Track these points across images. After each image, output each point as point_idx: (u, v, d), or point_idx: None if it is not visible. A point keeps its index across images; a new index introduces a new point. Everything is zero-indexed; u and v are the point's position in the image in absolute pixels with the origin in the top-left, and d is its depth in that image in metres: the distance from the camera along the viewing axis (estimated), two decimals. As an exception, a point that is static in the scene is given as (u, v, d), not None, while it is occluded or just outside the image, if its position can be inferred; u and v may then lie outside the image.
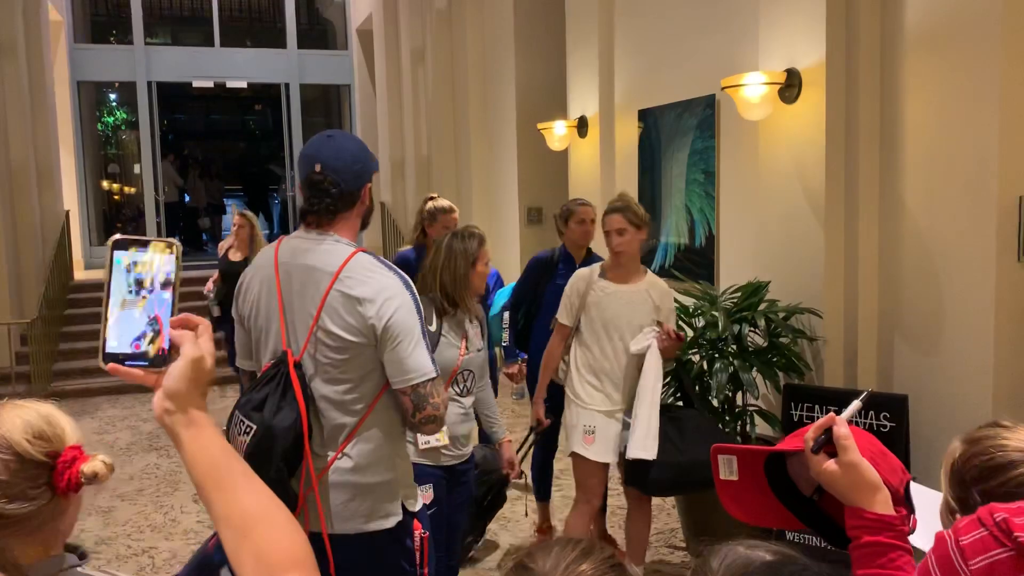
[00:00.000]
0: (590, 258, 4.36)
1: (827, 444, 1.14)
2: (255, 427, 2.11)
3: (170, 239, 1.04)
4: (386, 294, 2.15)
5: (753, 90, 4.29)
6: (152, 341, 1.03)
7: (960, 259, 3.68)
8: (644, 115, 6.00)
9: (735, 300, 4.25)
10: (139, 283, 1.02)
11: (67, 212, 10.78)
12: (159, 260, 1.03)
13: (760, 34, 4.49)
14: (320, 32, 15.80)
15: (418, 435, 2.84)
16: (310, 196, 2.22)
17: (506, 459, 3.51)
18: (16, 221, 8.88)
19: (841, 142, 4.11)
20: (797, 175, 4.29)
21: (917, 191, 3.92)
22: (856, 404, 1.18)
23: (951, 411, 3.73)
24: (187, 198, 15.43)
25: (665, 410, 3.59)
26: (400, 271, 2.24)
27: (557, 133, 6.89)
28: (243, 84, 14.89)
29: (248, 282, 2.33)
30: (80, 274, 11.41)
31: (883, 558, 1.09)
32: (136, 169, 14.29)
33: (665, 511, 4.89)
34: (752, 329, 4.14)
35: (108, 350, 1.02)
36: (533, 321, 4.44)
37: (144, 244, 1.03)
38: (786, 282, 4.31)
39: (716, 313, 4.05)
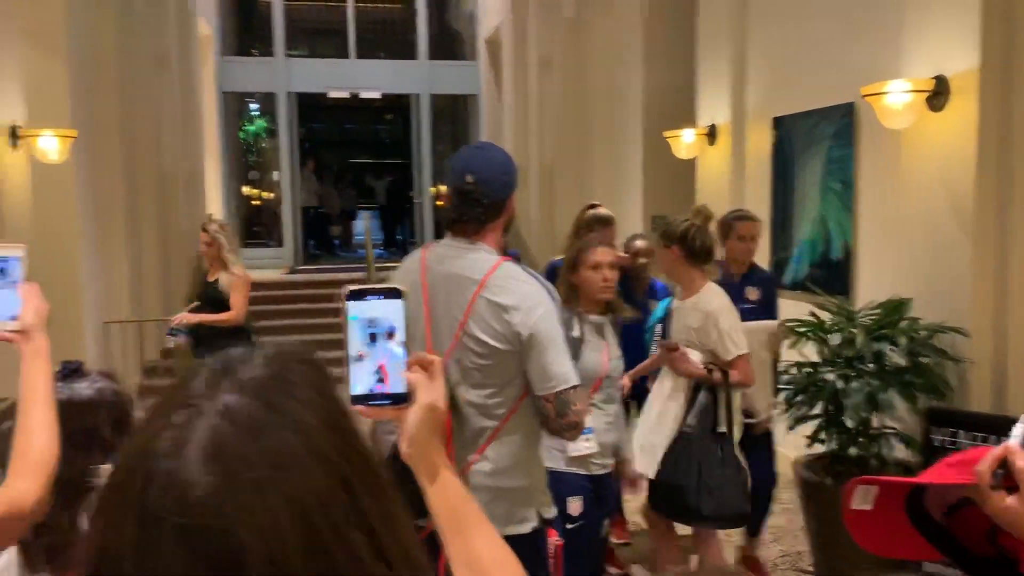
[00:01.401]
0: (753, 275, 4.18)
1: (1005, 478, 1.03)
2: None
3: (397, 286, 1.09)
4: (530, 302, 2.20)
5: (896, 98, 4.10)
6: (382, 382, 1.09)
7: None
8: (778, 123, 5.84)
9: (875, 317, 4.07)
10: (371, 334, 1.08)
11: (210, 216, 11.40)
12: (386, 307, 1.08)
13: (905, 39, 4.29)
14: (450, 43, 16.15)
15: (568, 443, 2.84)
16: (459, 205, 2.28)
17: (628, 478, 3.46)
18: (166, 224, 9.46)
19: (994, 153, 3.87)
20: (943, 187, 4.07)
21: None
22: (1021, 428, 1.07)
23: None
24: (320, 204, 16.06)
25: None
26: (543, 280, 2.29)
27: (685, 141, 6.80)
28: (376, 94, 15.39)
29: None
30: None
31: None
32: (275, 176, 14.98)
33: (792, 533, 4.73)
34: (892, 348, 3.95)
35: (352, 392, 1.09)
36: None
37: (375, 292, 1.08)
38: (930, 299, 4.10)
39: (854, 330, 3.89)
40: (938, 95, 4.03)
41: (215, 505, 0.60)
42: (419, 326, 2.29)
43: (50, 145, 5.77)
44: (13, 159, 5.44)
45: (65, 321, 6.85)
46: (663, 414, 3.37)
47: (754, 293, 4.15)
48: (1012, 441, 1.05)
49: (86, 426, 1.58)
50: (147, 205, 8.75)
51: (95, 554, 0.62)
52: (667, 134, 6.98)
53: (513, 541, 2.21)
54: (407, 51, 15.03)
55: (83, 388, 1.67)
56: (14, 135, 5.42)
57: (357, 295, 1.08)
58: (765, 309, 4.19)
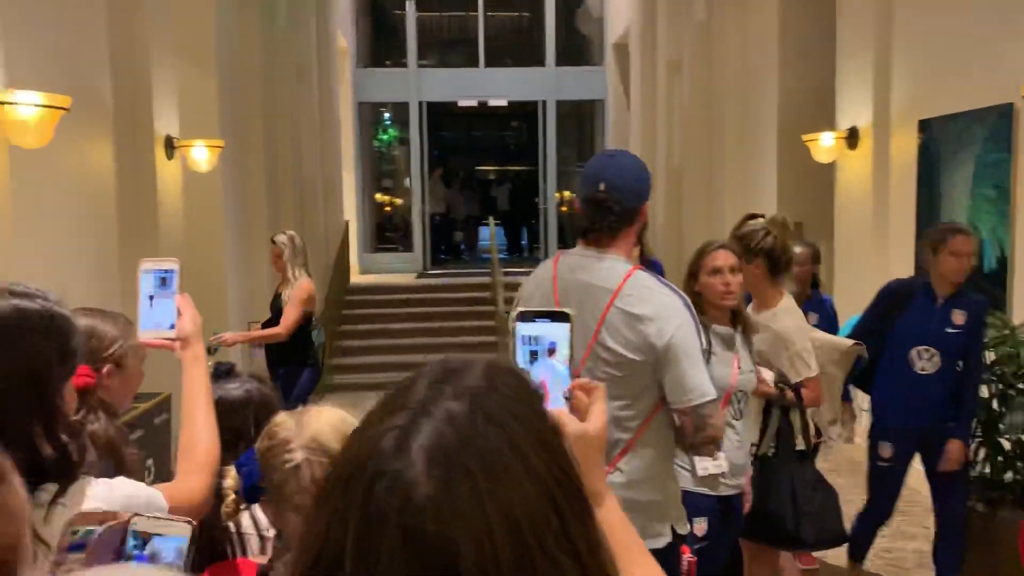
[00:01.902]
0: (962, 296, 3.70)
1: None
2: None
3: (565, 310, 1.11)
4: (666, 312, 2.16)
5: (1063, 96, 3.81)
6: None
7: None
8: (925, 125, 5.53)
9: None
10: (533, 352, 1.10)
11: (347, 222, 11.81)
12: (552, 329, 1.10)
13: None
14: (577, 49, 16.15)
15: (696, 461, 2.76)
16: (592, 214, 2.25)
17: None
18: (304, 229, 9.85)
19: None
20: (1117, 191, 3.75)
21: None
22: None
23: None
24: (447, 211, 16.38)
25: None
26: (678, 290, 2.25)
27: (824, 145, 6.54)
28: (503, 102, 15.57)
29: (527, 296, 2.41)
30: (356, 278, 12.47)
31: None
32: (406, 183, 15.38)
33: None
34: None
35: None
36: (878, 358, 3.80)
37: (543, 315, 1.11)
38: (1099, 313, 3.78)
39: (1015, 348, 3.63)
40: (1111, 92, 3.72)
41: (436, 509, 0.61)
42: None
43: (201, 155, 6.11)
44: (168, 168, 5.79)
45: (211, 322, 7.24)
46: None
47: (960, 317, 3.64)
48: None
49: (234, 425, 1.66)
50: (287, 211, 9.16)
51: (315, 544, 0.64)
52: (805, 137, 6.74)
53: None
54: (535, 58, 15.14)
55: (233, 389, 1.75)
56: (169, 145, 5.77)
57: (526, 317, 1.10)
58: (969, 335, 3.65)
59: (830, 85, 6.75)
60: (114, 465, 1.68)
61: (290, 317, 5.31)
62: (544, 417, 0.71)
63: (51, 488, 1.27)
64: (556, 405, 1.08)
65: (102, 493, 1.34)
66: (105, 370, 1.73)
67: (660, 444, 2.25)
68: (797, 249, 4.01)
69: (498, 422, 0.66)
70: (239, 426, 1.66)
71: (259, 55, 8.28)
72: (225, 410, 1.66)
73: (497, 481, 0.63)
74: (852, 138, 6.33)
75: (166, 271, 1.65)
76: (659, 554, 2.18)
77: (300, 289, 5.33)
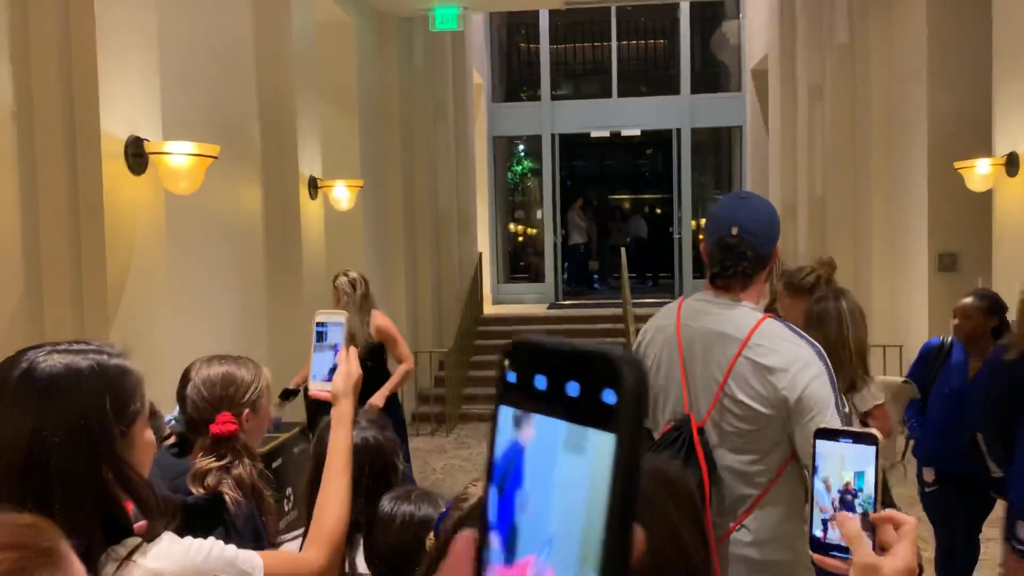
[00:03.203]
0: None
1: None
2: None
3: (872, 431, 1.05)
4: (799, 364, 2.06)
5: None
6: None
7: None
8: (1095, 150, 5.09)
9: None
10: (847, 479, 1.04)
11: (480, 254, 12.01)
12: (857, 451, 1.03)
13: None
14: (713, 75, 15.91)
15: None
16: (723, 259, 2.18)
17: None
18: (439, 261, 10.10)
19: None
20: None
21: None
22: None
23: None
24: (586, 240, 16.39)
25: None
26: (812, 340, 2.14)
27: (979, 172, 6.13)
28: (637, 132, 15.49)
29: (648, 340, 2.34)
30: (488, 309, 12.64)
31: None
32: (538, 214, 15.52)
33: None
34: None
35: (814, 535, 1.07)
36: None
37: (848, 435, 1.05)
38: None
39: None
40: None
41: None
42: (674, 384, 2.21)
43: (342, 194, 6.37)
44: (311, 208, 6.07)
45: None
46: None
47: None
48: None
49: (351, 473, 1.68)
50: (423, 244, 9.42)
51: None
52: (958, 164, 6.35)
53: None
54: (670, 86, 15.00)
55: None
56: (313, 186, 6.05)
57: (827, 435, 1.05)
58: None
59: (985, 108, 6.34)
60: (256, 506, 1.76)
61: (404, 348, 5.25)
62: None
63: (131, 543, 1.25)
64: (855, 530, 1.00)
65: (177, 552, 1.30)
66: (244, 415, 1.80)
67: (790, 502, 2.14)
68: None
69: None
70: (355, 475, 1.69)
71: (398, 95, 8.59)
72: None
73: None
74: (1012, 164, 5.91)
75: (325, 324, 1.70)
76: None
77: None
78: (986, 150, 6.25)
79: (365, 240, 7.54)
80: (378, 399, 5.00)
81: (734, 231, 2.15)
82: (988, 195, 6.34)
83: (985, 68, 6.35)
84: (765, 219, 2.19)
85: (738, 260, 2.15)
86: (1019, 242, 5.89)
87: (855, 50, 9.06)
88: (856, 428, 1.01)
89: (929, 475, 3.89)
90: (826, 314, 2.76)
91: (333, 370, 1.66)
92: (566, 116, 14.73)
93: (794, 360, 2.06)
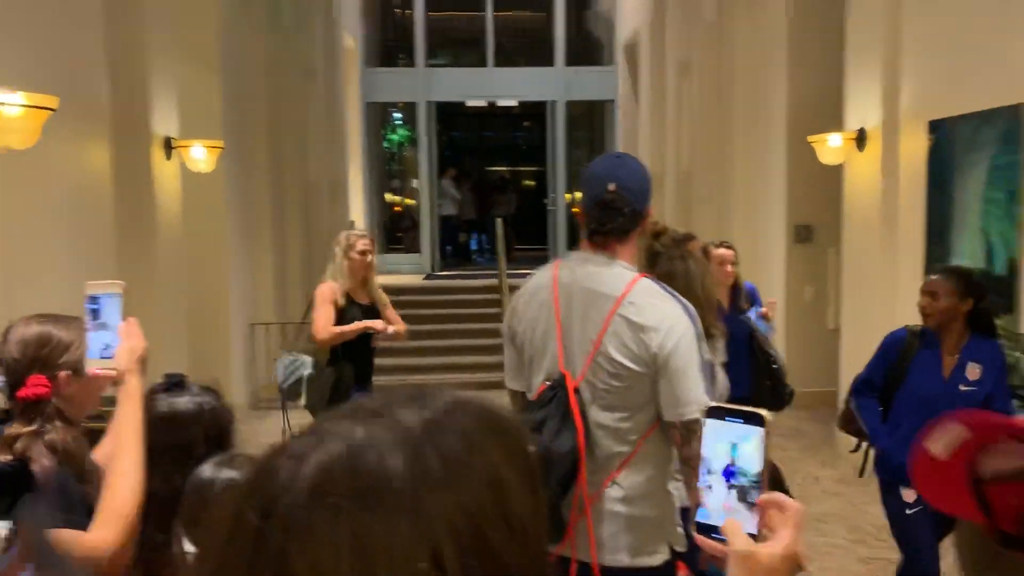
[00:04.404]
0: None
1: None
2: (532, 449, 2.11)
3: (761, 412, 0.98)
4: (669, 322, 2.10)
5: (1074, 97, 3.70)
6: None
7: None
8: (935, 127, 5.42)
9: (1043, 339, 3.68)
10: (726, 454, 0.99)
11: (352, 222, 11.76)
12: (745, 431, 0.98)
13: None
14: (587, 49, 16.07)
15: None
16: (600, 216, 2.19)
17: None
18: (310, 230, 9.83)
19: None
20: None
21: None
22: None
23: None
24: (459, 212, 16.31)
25: None
26: (683, 299, 2.18)
27: (831, 146, 6.43)
28: (513, 102, 15.51)
29: (524, 302, 2.33)
30: (362, 279, 12.40)
31: None
32: (414, 183, 15.36)
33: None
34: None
35: (699, 519, 1.01)
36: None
37: (736, 415, 0.99)
38: (1110, 321, 3.67)
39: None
40: (1124, 93, 3.61)
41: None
42: (551, 343, 2.21)
43: (199, 155, 6.08)
44: (166, 169, 5.76)
45: (214, 322, 7.22)
46: None
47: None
48: None
49: (183, 442, 1.59)
50: (292, 212, 9.13)
51: None
52: (811, 139, 6.64)
53: (643, 573, 2.15)
54: (544, 58, 15.07)
55: (183, 402, 1.68)
56: (168, 146, 5.73)
57: (716, 414, 1.00)
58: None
59: (839, 87, 6.65)
60: (74, 474, 1.63)
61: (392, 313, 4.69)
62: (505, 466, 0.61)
63: None
64: (742, 516, 0.96)
65: None
66: (62, 377, 1.67)
67: (659, 459, 2.19)
68: (721, 250, 4.21)
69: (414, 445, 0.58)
70: (188, 442, 1.59)
71: (264, 55, 8.24)
72: (173, 425, 1.59)
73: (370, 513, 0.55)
74: (861, 139, 6.23)
75: (97, 298, 1.58)
76: (655, 572, 2.16)
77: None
78: (839, 126, 6.56)
79: (228, 206, 7.24)
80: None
81: (611, 187, 2.16)
82: (841, 169, 6.67)
83: (840, 48, 6.65)
84: (639, 176, 2.24)
85: (615, 216, 2.17)
86: (866, 213, 6.23)
87: (721, 28, 9.32)
88: (744, 408, 0.97)
89: (910, 495, 3.25)
90: (675, 272, 2.84)
91: (109, 347, 1.56)
92: (442, 84, 14.57)
93: (664, 318, 2.09)
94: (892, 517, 3.37)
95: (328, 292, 4.41)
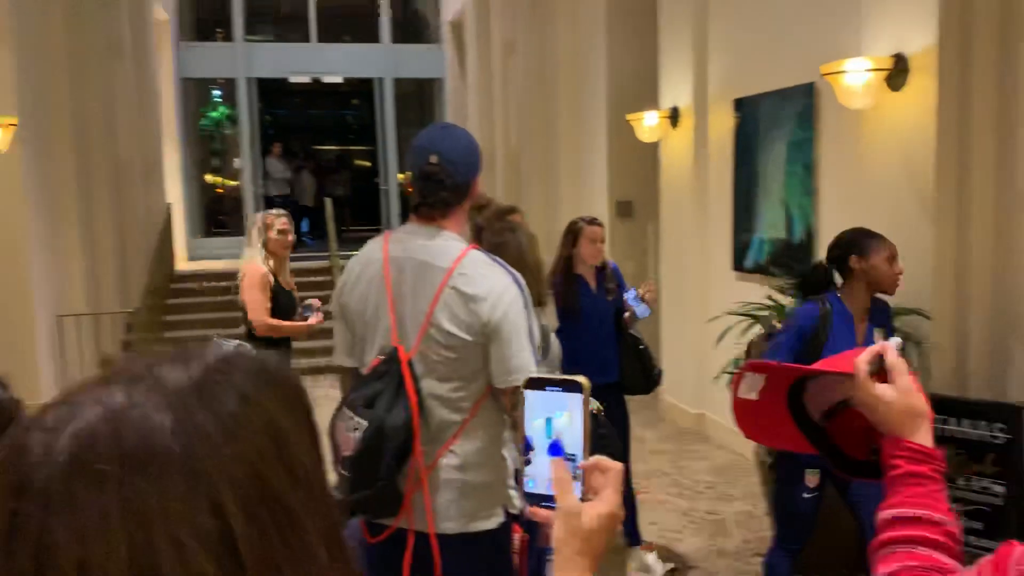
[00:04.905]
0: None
1: (879, 372, 1.11)
2: (365, 424, 2.10)
3: (578, 379, 1.00)
4: (498, 291, 2.12)
5: (855, 77, 4.04)
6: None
7: (1087, 259, 3.37)
8: (740, 104, 5.77)
9: (834, 300, 4.01)
10: (549, 424, 1.01)
11: (169, 205, 11.17)
12: (564, 399, 1.00)
13: (864, 17, 4.23)
14: (414, 26, 15.94)
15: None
16: (424, 188, 2.18)
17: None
18: (122, 214, 9.23)
19: (954, 133, 3.83)
20: (904, 168, 4.02)
21: (1039, 184, 3.62)
22: (898, 340, 1.17)
23: (1074, 424, 3.43)
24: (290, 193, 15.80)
25: None
26: (512, 270, 2.20)
27: (648, 124, 6.71)
28: (339, 79, 15.16)
29: (355, 277, 2.30)
30: (183, 265, 11.83)
31: (921, 488, 1.05)
32: (237, 164, 14.75)
33: (756, 518, 4.70)
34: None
35: (527, 489, 1.02)
36: None
37: (555, 384, 1.01)
38: (890, 281, 4.05)
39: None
40: (898, 74, 3.98)
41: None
42: (383, 317, 2.20)
43: (-9, 134, 5.57)
44: (-49, 149, 5.24)
45: (15, 316, 6.66)
46: None
47: (879, 336, 3.11)
48: (891, 342, 1.14)
49: None
50: (102, 195, 8.53)
51: None
52: (629, 117, 6.90)
53: (479, 536, 2.19)
54: (370, 35, 14.81)
55: None
56: (-48, 124, 5.21)
57: (536, 384, 1.01)
58: None
59: (656, 66, 6.93)
60: None
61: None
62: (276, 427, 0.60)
63: None
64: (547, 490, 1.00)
65: None
66: None
67: (493, 425, 2.23)
68: (594, 227, 4.00)
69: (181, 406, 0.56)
70: None
71: (63, 26, 7.63)
72: None
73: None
74: (674, 117, 6.53)
75: None
76: (492, 534, 2.21)
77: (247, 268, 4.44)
78: (655, 104, 6.85)
79: (26, 187, 6.67)
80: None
81: (433, 159, 2.15)
82: (657, 146, 6.97)
83: (655, 30, 6.92)
84: (463, 148, 2.21)
85: (437, 189, 2.16)
86: (680, 188, 6.56)
87: (544, 8, 9.47)
88: (562, 376, 0.99)
89: (813, 480, 3.16)
90: (505, 244, 2.89)
91: None
92: (263, 59, 14.03)
93: (493, 288, 2.12)
94: (786, 498, 3.29)
95: (259, 275, 4.33)
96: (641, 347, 4.06)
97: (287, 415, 0.61)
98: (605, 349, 3.97)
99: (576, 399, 0.98)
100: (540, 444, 1.00)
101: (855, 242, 3.10)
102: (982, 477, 3.56)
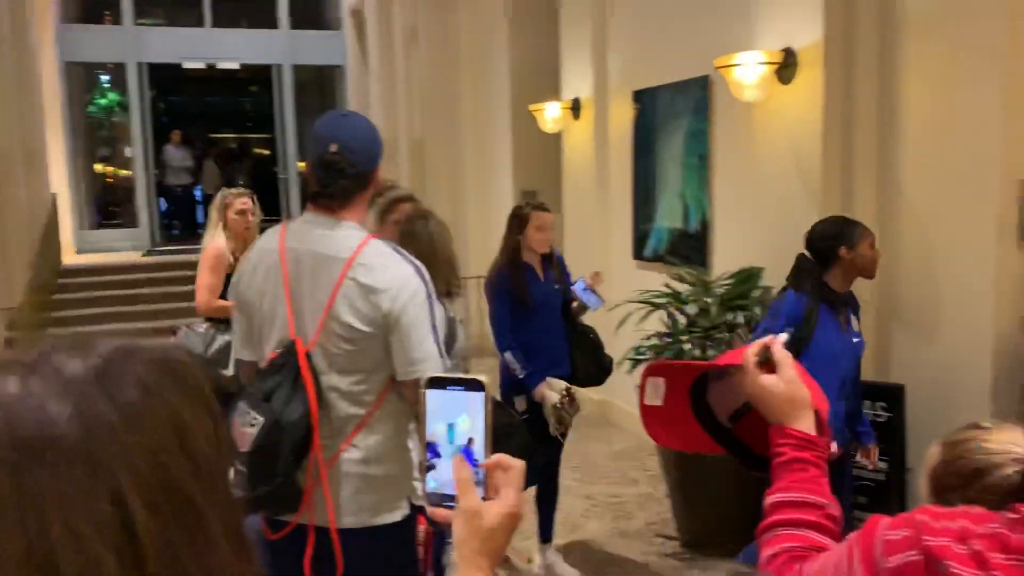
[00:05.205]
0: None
1: (765, 363, 1.17)
2: (262, 419, 2.05)
3: (479, 377, 1.00)
4: (399, 282, 2.09)
5: (747, 70, 4.16)
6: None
7: (959, 245, 3.58)
8: (639, 96, 5.87)
9: (728, 286, 4.15)
10: (452, 425, 1.00)
11: (54, 195, 10.65)
12: (466, 398, 1.00)
13: (755, 12, 4.36)
14: (313, 12, 15.60)
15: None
16: (323, 177, 2.12)
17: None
18: (2, 205, 8.75)
19: (838, 125, 3.99)
20: (793, 159, 4.18)
21: (916, 176, 3.81)
22: (784, 336, 1.22)
23: (949, 401, 3.64)
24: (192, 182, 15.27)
25: None
26: (414, 259, 2.17)
27: (550, 115, 6.77)
28: (235, 65, 14.74)
29: (251, 268, 2.24)
30: (71, 258, 11.31)
31: (804, 473, 1.10)
32: (127, 152, 14.17)
33: (657, 499, 4.82)
34: (747, 316, 4.05)
35: (429, 490, 1.02)
36: None
37: (456, 383, 1.00)
38: (782, 268, 4.19)
39: (709, 300, 3.95)
40: (787, 67, 4.12)
41: None
42: (280, 309, 2.15)
43: None
44: None
45: None
46: None
47: (855, 322, 3.25)
48: (779, 336, 1.20)
49: None
50: (-22, 184, 8.07)
51: None
52: (532, 107, 6.94)
53: (384, 530, 2.17)
54: (268, 20, 14.43)
55: None
56: None
57: (437, 383, 1.00)
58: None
59: (558, 57, 6.98)
60: None
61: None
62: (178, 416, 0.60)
63: None
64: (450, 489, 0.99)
65: None
66: None
67: (396, 417, 2.20)
68: (544, 213, 3.87)
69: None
70: None
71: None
72: None
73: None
74: (576, 108, 6.60)
75: None
76: (397, 527, 2.18)
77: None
78: (557, 95, 6.91)
79: None
80: None
81: (333, 148, 2.11)
82: (560, 137, 7.04)
83: (557, 19, 6.98)
84: (364, 136, 2.17)
85: (337, 178, 2.12)
86: (582, 179, 6.64)
87: (446, -4, 9.42)
88: (463, 375, 0.98)
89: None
90: (417, 232, 2.87)
91: None
92: (154, 44, 13.48)
93: (395, 279, 2.09)
94: None
95: (213, 256, 4.17)
96: (592, 336, 3.99)
97: (190, 406, 0.61)
98: (557, 341, 3.86)
99: (478, 398, 0.99)
100: (441, 444, 1.00)
101: (843, 233, 3.15)
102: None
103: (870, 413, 3.71)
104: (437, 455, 1.00)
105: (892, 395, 3.75)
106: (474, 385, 0.99)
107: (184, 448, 0.59)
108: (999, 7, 3.38)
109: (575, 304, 3.92)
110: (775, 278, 4.16)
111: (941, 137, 3.65)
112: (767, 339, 1.17)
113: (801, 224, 4.10)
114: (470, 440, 0.98)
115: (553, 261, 3.94)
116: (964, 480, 1.20)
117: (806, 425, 1.13)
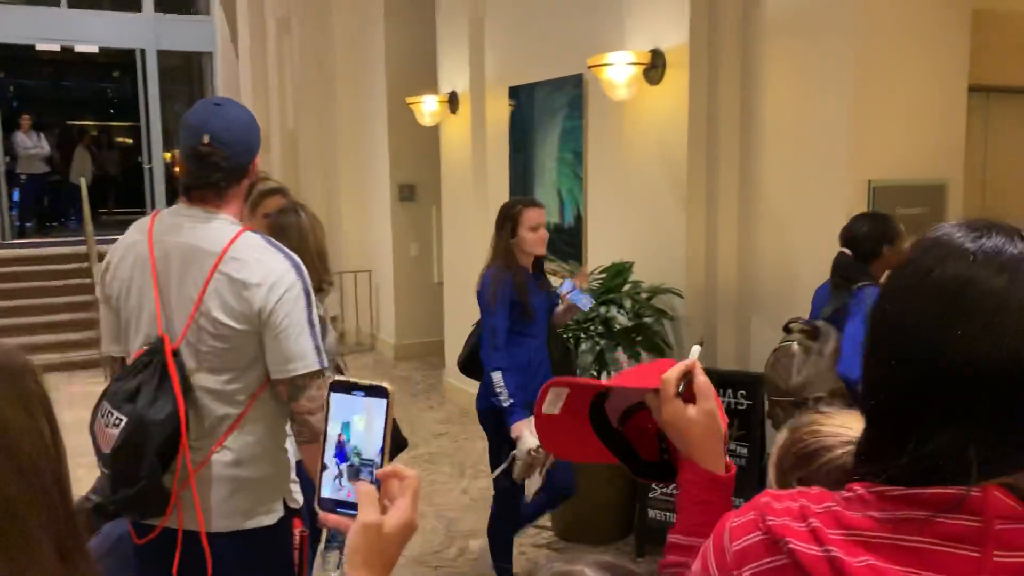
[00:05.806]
0: None
1: (686, 390, 1.13)
2: (125, 419, 1.95)
3: (384, 384, 0.99)
4: (274, 277, 2.01)
5: (618, 70, 4.28)
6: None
7: (813, 241, 3.80)
8: (515, 92, 5.94)
9: (601, 281, 4.27)
10: (349, 428, 1.00)
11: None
12: (368, 404, 0.99)
13: (626, 12, 4.49)
14: (180, -5, 15.00)
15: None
16: (196, 170, 2.03)
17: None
18: None
19: (703, 125, 4.16)
20: (661, 157, 4.32)
21: (774, 174, 4.02)
22: (697, 348, 1.20)
23: (804, 388, 3.86)
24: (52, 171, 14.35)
25: None
26: (291, 253, 2.09)
27: (427, 108, 6.74)
28: (94, 49, 13.98)
29: (118, 259, 2.13)
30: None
31: (707, 516, 1.10)
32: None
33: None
34: (619, 309, 4.17)
35: (321, 495, 1.01)
36: None
37: (360, 388, 0.99)
38: (650, 263, 4.36)
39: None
40: (655, 68, 4.26)
41: None
42: (147, 304, 2.06)
43: None
44: None
45: None
46: None
47: None
48: (694, 358, 1.14)
49: None
50: None
51: None
52: (409, 100, 6.90)
53: (257, 533, 2.11)
54: (130, 2, 13.75)
55: None
56: None
57: (340, 387, 0.99)
58: None
59: (435, 49, 6.96)
60: None
61: None
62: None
63: None
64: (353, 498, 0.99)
65: None
66: None
67: (271, 417, 2.13)
68: (536, 210, 3.60)
69: None
70: None
71: None
72: None
73: None
74: (453, 102, 6.60)
75: None
76: (271, 530, 2.12)
77: None
78: (434, 88, 6.89)
79: None
80: None
81: (205, 139, 2.02)
82: (438, 130, 7.03)
83: (433, 12, 6.95)
84: (239, 128, 2.08)
85: (211, 171, 2.03)
86: (460, 172, 6.65)
87: (320, -15, 9.24)
88: (367, 381, 0.97)
89: None
90: (288, 225, 2.80)
91: None
92: (4, 23, 12.62)
93: (269, 274, 2.01)
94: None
95: None
96: (568, 338, 3.81)
97: (17, 408, 0.59)
98: (545, 351, 3.51)
99: (379, 404, 0.98)
100: (337, 448, 0.99)
101: (887, 232, 3.18)
102: (729, 440, 3.93)
103: (731, 401, 3.90)
104: (340, 459, 1.00)
105: (751, 384, 3.95)
106: (378, 392, 0.99)
107: (5, 448, 0.57)
108: (850, 20, 3.61)
109: (560, 308, 3.61)
110: (644, 272, 4.31)
111: (797, 138, 3.87)
112: (688, 363, 1.13)
113: (668, 221, 4.27)
114: (361, 444, 0.99)
115: (542, 265, 3.64)
116: (803, 462, 1.25)
117: (717, 461, 1.13)
